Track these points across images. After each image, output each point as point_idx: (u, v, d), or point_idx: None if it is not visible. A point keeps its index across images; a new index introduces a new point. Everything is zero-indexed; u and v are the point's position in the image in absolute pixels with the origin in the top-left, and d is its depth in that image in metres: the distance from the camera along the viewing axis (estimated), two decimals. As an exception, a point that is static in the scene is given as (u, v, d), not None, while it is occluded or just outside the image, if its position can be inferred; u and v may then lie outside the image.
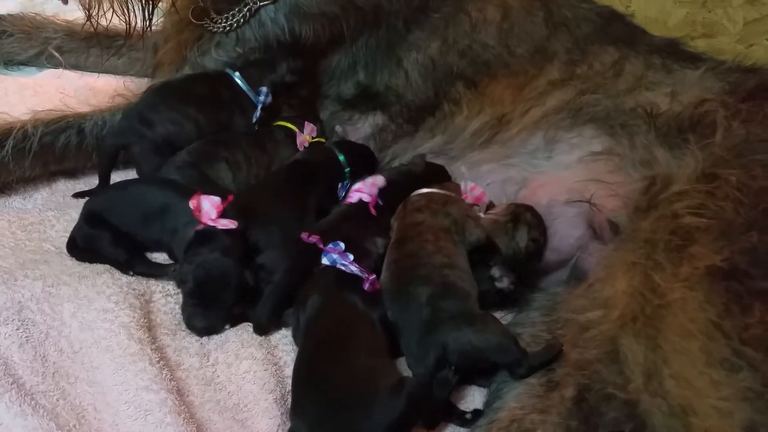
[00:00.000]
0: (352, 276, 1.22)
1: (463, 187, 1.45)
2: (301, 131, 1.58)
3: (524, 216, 1.39)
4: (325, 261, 1.24)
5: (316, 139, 1.60)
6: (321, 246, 1.26)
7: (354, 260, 1.24)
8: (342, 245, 1.24)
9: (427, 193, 1.40)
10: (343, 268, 1.22)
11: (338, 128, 1.69)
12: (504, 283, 1.33)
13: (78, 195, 1.49)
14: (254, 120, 1.59)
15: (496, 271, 1.34)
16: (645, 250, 1.17)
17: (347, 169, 1.54)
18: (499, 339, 1.17)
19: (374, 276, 1.24)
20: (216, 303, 1.22)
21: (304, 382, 1.08)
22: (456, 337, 1.15)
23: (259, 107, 1.58)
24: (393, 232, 1.36)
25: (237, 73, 1.58)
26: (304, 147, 1.57)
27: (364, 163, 1.58)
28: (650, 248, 1.17)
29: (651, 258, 1.15)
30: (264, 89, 1.58)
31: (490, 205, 1.47)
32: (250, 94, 1.58)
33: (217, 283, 1.21)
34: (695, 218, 1.15)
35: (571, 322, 1.21)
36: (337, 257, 1.23)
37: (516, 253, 1.37)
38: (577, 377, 1.13)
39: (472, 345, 1.15)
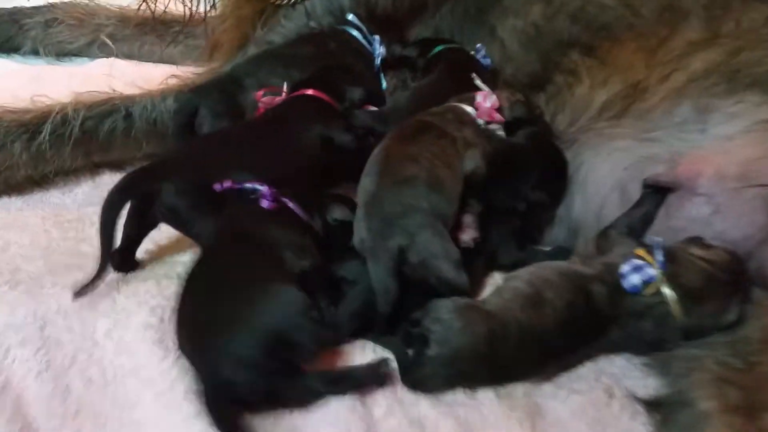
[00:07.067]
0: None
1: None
2: None
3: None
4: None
5: None
6: (236, 185, 1.08)
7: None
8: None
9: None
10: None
11: None
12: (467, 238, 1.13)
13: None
14: (378, 63, 1.43)
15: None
16: None
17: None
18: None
19: (272, 189, 1.06)
20: None
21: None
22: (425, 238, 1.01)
23: (377, 56, 1.43)
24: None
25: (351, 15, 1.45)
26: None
27: None
28: None
29: None
30: (377, 37, 1.43)
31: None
32: (365, 42, 1.43)
33: None
34: None
35: None
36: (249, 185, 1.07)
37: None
38: None
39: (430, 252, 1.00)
